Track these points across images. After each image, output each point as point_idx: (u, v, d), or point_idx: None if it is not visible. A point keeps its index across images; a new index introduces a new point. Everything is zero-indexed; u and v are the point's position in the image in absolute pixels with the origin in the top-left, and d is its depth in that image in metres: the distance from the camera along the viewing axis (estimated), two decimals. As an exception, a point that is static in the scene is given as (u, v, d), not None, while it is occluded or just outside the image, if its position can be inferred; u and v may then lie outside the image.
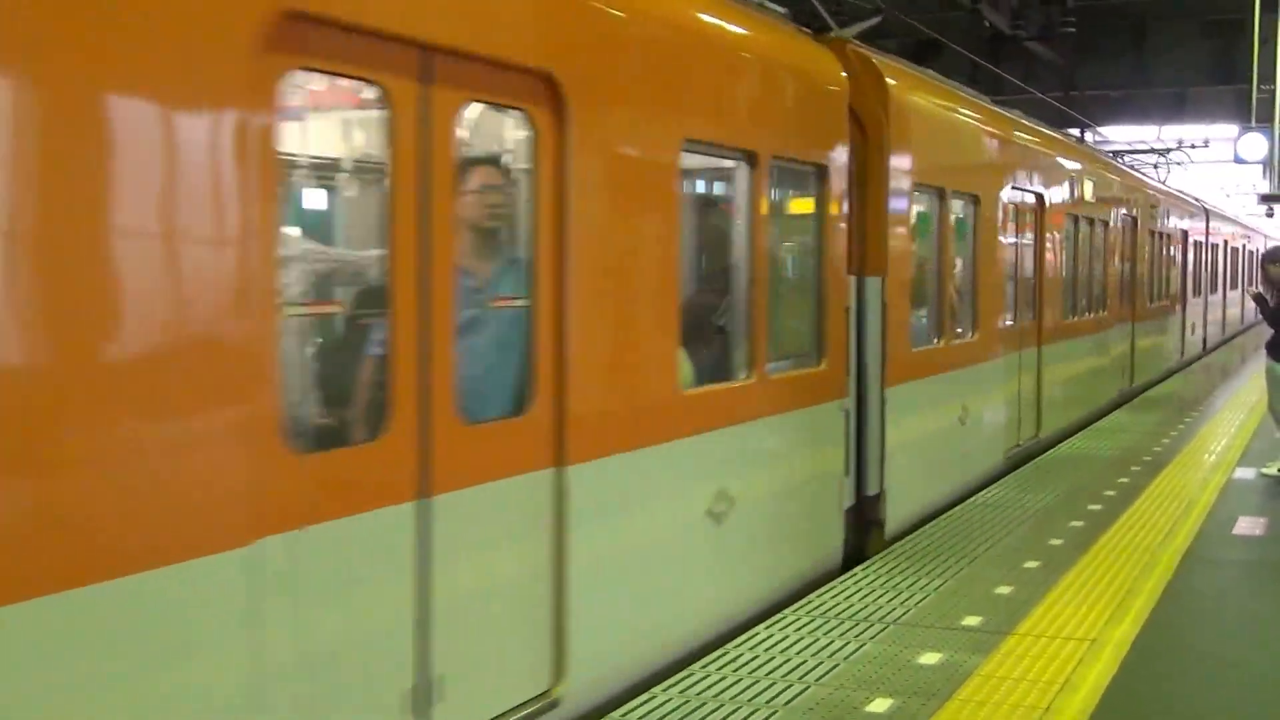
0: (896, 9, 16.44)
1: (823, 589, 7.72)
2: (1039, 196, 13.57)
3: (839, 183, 8.37)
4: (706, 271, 7.87)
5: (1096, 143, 28.11)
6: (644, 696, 5.83)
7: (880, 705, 5.76)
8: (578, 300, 5.50)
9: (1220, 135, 32.53)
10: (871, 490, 9.09)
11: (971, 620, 7.07)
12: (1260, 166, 25.22)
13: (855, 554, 8.81)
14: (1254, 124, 22.85)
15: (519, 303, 5.41)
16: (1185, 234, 24.61)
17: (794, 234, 8.51)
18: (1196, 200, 28.34)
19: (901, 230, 9.42)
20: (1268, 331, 12.78)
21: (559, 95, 5.37)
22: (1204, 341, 28.24)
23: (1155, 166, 30.86)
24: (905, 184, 9.52)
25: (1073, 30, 21.85)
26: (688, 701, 5.77)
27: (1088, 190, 15.85)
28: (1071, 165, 15.21)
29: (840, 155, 8.42)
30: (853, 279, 8.75)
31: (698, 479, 6.75)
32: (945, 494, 10.56)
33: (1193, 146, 32.93)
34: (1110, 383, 17.75)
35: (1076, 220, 15.39)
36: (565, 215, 5.42)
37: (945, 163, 10.67)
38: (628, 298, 6.04)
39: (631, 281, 6.06)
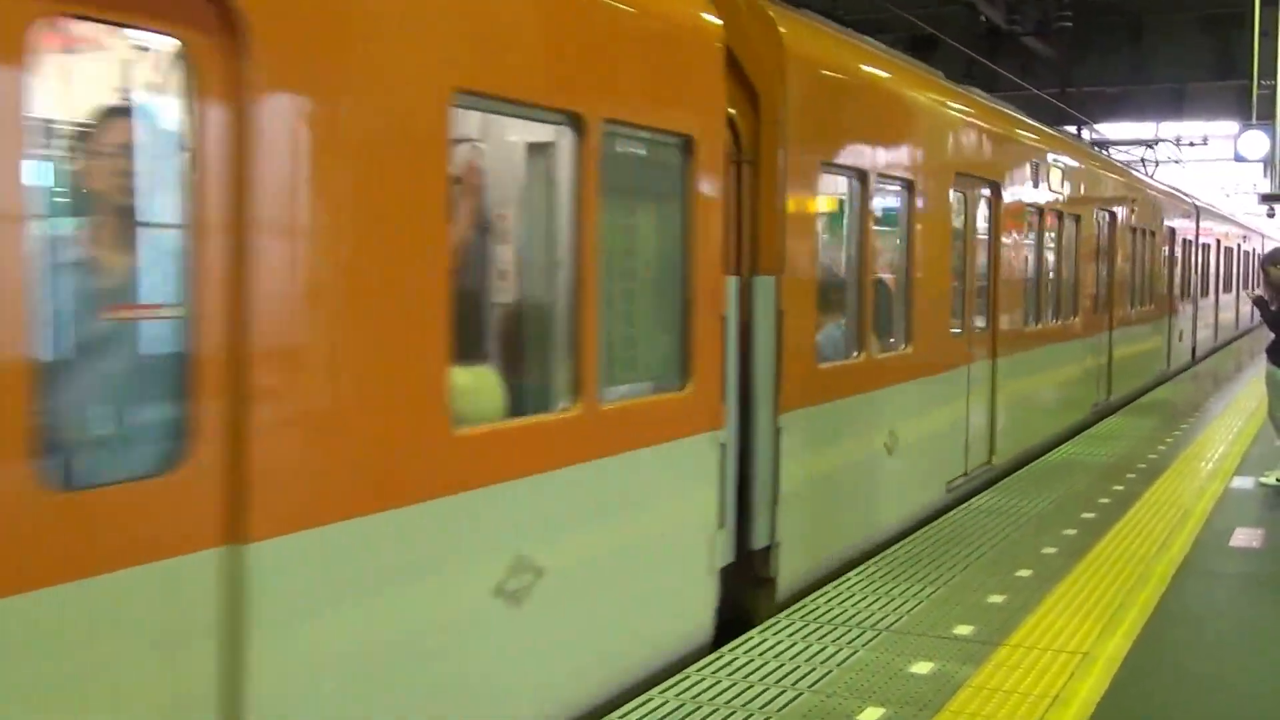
0: (892, 4, 16.62)
1: (815, 594, 7.88)
2: (994, 186, 12.19)
3: (712, 158, 6.86)
4: (514, 270, 6.25)
5: (1092, 139, 28.23)
6: (640, 699, 5.99)
7: (872, 715, 5.91)
8: (269, 307, 4.11)
9: (1220, 133, 32.81)
10: (759, 543, 7.71)
11: (963, 629, 7.22)
12: (1261, 165, 25.42)
13: (738, 620, 7.41)
14: (1254, 121, 23.03)
15: (170, 311, 4.02)
16: (1173, 232, 23.66)
17: (645, 222, 6.90)
18: (1187, 196, 27.34)
19: (803, 220, 8.05)
20: (1264, 337, 12.96)
21: (233, 20, 3.97)
22: (1193, 349, 27.12)
23: (1143, 161, 30.32)
24: (809, 163, 8.15)
25: (1069, 25, 22.06)
26: (683, 705, 5.93)
27: (1055, 180, 14.45)
28: (1035, 151, 13.83)
29: (714, 123, 6.95)
30: (734, 280, 7.38)
31: (482, 548, 5.22)
32: (863, 540, 9.18)
33: (1191, 144, 33.18)
34: (1082, 397, 16.61)
35: (1041, 214, 14.08)
36: (247, 189, 4.03)
37: (867, 140, 9.20)
38: (358, 304, 4.52)
39: (365, 281, 4.55)
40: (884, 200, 9.80)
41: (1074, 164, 15.72)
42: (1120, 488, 11.73)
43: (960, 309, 11.47)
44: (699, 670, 6.43)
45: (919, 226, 10.10)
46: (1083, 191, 16.18)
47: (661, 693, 6.10)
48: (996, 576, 8.39)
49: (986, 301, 12.21)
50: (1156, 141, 31.70)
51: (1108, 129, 31.46)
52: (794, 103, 7.82)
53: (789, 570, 7.95)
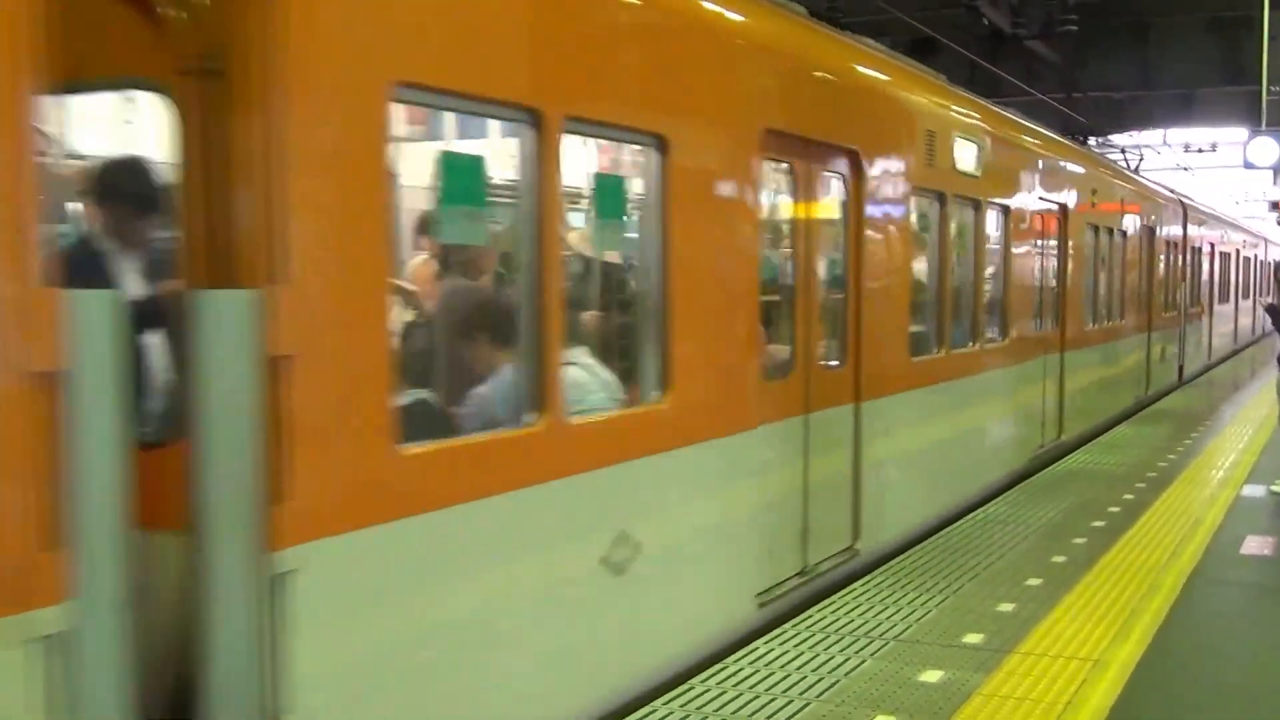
0: (892, 5, 16.70)
1: (822, 604, 7.91)
2: (852, 155, 8.76)
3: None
4: None
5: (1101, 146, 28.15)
6: (644, 711, 6.04)
7: (882, 723, 5.98)
8: None
9: (1229, 139, 32.93)
10: None
11: (973, 638, 7.28)
12: (1271, 172, 25.47)
13: None
14: (1264, 127, 23.10)
15: None
16: (1152, 232, 20.61)
17: None
18: (1173, 193, 24.52)
19: (351, 184, 4.63)
20: (1272, 347, 13.04)
21: None
22: (1180, 369, 24.20)
23: (1123, 152, 28.50)
24: (364, 81, 4.65)
25: (1074, 29, 22.12)
26: (688, 716, 5.98)
27: (968, 156, 11.06)
28: (928, 114, 10.45)
29: None
30: (105, 299, 3.92)
31: None
32: None
33: (1200, 150, 33.25)
34: (1018, 441, 13.22)
35: (942, 201, 10.63)
36: None
37: (545, 54, 5.67)
38: None
39: None
40: (599, 163, 6.83)
41: (999, 138, 12.19)
42: (1130, 496, 11.79)
43: (789, 335, 8.20)
44: (703, 681, 6.47)
45: (683, 210, 6.69)
46: (1014, 176, 12.80)
47: (666, 703, 6.13)
48: (1006, 585, 8.45)
49: (842, 322, 8.86)
50: (1136, 142, 30.63)
51: (1113, 136, 31.49)
52: None
53: None
